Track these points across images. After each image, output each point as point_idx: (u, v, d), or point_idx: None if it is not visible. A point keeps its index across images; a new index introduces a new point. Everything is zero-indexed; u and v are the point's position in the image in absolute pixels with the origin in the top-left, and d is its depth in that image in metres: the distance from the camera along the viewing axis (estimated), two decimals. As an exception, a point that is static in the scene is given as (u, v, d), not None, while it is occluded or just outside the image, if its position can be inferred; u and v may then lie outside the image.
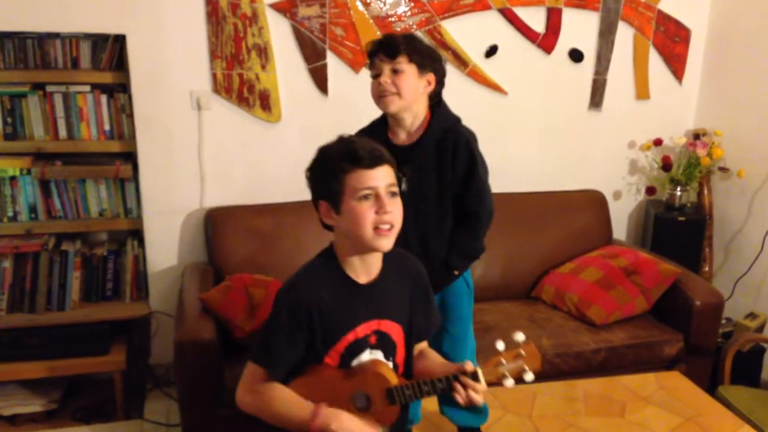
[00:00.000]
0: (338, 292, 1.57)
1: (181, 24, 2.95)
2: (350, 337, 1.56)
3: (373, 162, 1.50)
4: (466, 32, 3.28)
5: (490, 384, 1.51)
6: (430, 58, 2.04)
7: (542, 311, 3.13)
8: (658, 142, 3.58)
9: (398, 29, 3.17)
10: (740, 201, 3.48)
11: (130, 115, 3.03)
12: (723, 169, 3.51)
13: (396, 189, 1.54)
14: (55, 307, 3.04)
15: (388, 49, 1.99)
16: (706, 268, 3.58)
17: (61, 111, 2.98)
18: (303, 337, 1.55)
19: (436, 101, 2.10)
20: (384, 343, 1.61)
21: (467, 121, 2.14)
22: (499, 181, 3.31)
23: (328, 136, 3.29)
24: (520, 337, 1.50)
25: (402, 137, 2.08)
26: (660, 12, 3.51)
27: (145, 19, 2.90)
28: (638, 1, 3.45)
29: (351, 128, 3.17)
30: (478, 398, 1.51)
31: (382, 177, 1.50)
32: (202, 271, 3.00)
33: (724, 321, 3.26)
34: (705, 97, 3.67)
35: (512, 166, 3.47)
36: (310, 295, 1.55)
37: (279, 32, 3.06)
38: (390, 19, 3.16)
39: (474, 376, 1.50)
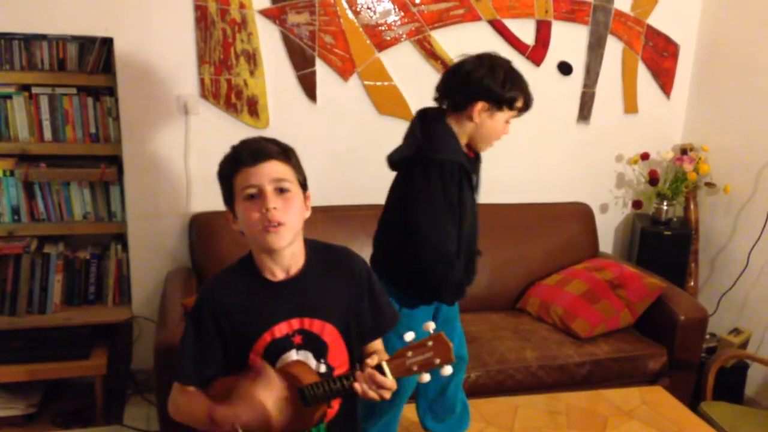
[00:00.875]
0: (250, 293, 1.54)
1: (169, 28, 2.94)
2: (266, 337, 1.52)
3: (255, 158, 1.48)
4: (456, 43, 3.28)
5: (399, 377, 1.44)
6: None
7: (527, 323, 3.13)
8: (645, 156, 3.59)
9: (388, 38, 3.17)
10: (726, 216, 3.49)
11: (117, 119, 3.01)
12: (709, 185, 3.52)
13: (287, 185, 1.50)
14: (36, 311, 3.01)
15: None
16: (692, 283, 3.59)
17: (47, 113, 2.97)
18: (213, 343, 1.53)
19: None
20: (312, 343, 1.55)
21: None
22: (486, 193, 3.32)
23: (316, 143, 3.31)
24: (429, 326, 1.44)
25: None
26: (649, 27, 3.53)
27: (133, 22, 2.88)
28: (627, 15, 3.47)
29: (339, 135, 3.23)
30: (384, 393, 1.45)
31: (266, 173, 1.47)
32: (186, 276, 2.98)
33: (708, 336, 3.27)
34: (693, 112, 3.68)
35: (499, 177, 3.47)
36: (217, 297, 1.54)
37: (268, 38, 3.05)
38: (380, 28, 3.16)
39: (379, 369, 1.44)
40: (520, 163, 3.54)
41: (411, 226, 1.99)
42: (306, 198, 1.58)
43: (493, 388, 2.71)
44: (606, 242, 3.77)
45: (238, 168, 1.49)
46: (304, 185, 1.57)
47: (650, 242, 3.50)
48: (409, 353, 1.43)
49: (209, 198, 3.14)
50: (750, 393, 3.26)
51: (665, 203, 3.51)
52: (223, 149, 3.22)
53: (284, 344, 1.53)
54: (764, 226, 3.22)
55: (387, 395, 1.46)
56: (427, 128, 2.04)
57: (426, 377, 1.43)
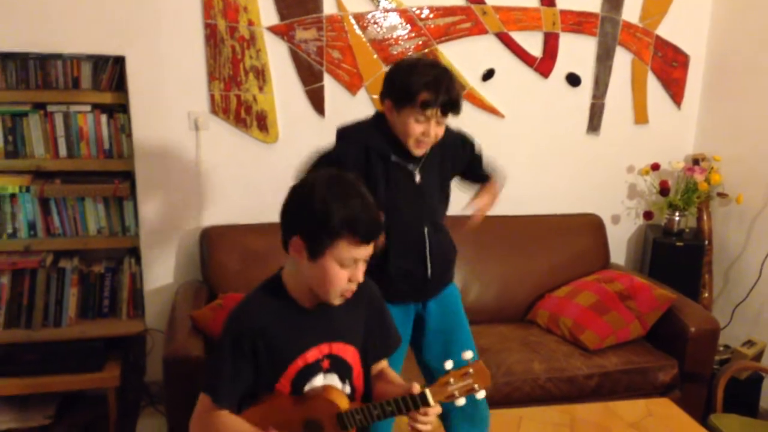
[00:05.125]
0: (284, 318, 1.54)
1: (179, 46, 3.00)
2: (299, 363, 1.54)
3: (370, 238, 1.47)
4: (463, 56, 3.31)
5: (441, 403, 1.50)
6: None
7: (536, 335, 3.12)
8: (655, 167, 3.57)
9: (395, 52, 3.21)
10: (739, 227, 3.46)
11: (130, 135, 3.07)
12: (722, 195, 3.49)
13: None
14: (52, 324, 3.06)
15: (449, 109, 2.00)
16: (706, 294, 3.55)
17: (62, 130, 3.03)
18: (248, 366, 1.52)
19: None
20: (338, 366, 1.58)
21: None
22: (496, 204, 3.33)
23: (325, 157, 3.31)
24: (468, 355, 1.50)
25: None
26: (658, 37, 3.52)
27: (145, 41, 2.95)
28: (636, 26, 3.47)
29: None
30: (428, 422, 1.50)
31: (370, 250, 1.49)
32: (196, 290, 3.02)
33: (722, 348, 3.23)
34: (704, 122, 3.66)
35: (509, 188, 3.42)
36: (254, 322, 1.53)
37: (276, 54, 3.10)
38: (387, 42, 3.19)
39: (423, 397, 1.48)
40: (529, 174, 3.54)
41: None
42: None
43: (499, 400, 2.71)
44: (618, 254, 3.76)
45: (349, 236, 1.45)
46: None
47: (662, 253, 3.48)
48: (452, 380, 1.49)
49: (220, 212, 3.20)
50: (766, 405, 3.21)
51: (677, 214, 3.49)
52: (234, 163, 3.27)
53: (314, 369, 1.56)
54: (777, 236, 3.19)
55: (429, 427, 1.51)
56: None
57: (462, 401, 1.50)
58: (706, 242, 3.52)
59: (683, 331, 2.95)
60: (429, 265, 2.16)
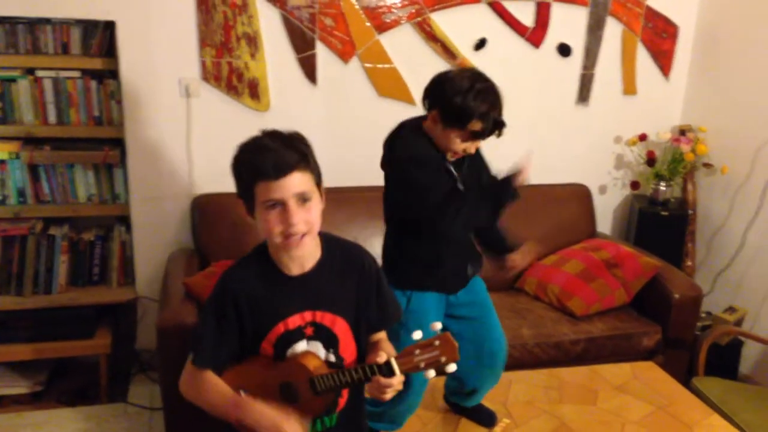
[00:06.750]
0: (268, 284, 1.58)
1: (170, 11, 2.97)
2: (281, 328, 1.57)
3: (278, 173, 1.46)
4: (456, 25, 3.30)
5: (406, 373, 1.50)
6: None
7: (524, 302, 3.17)
8: (643, 138, 3.61)
9: (388, 21, 3.20)
10: (723, 197, 3.52)
11: (120, 102, 3.05)
12: (707, 165, 3.54)
13: (309, 195, 1.50)
14: (42, 291, 3.07)
15: (494, 133, 2.10)
16: (689, 263, 3.62)
17: (51, 96, 3.01)
18: (232, 328, 1.56)
19: None
20: (323, 335, 1.60)
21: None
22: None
23: (317, 125, 3.34)
24: (437, 326, 1.50)
25: None
26: (648, 8, 3.54)
27: (135, 6, 2.92)
28: (626, -3, 3.49)
29: (339, 117, 3.27)
30: (389, 392, 1.52)
31: (289, 186, 1.46)
32: (188, 257, 3.03)
33: (703, 315, 3.31)
34: (691, 94, 3.70)
35: (498, 158, 3.47)
36: (237, 285, 1.57)
37: (268, 21, 3.08)
38: (380, 10, 3.18)
39: (388, 365, 1.49)
40: (518, 144, 3.52)
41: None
42: (321, 193, 1.57)
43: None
44: (605, 223, 3.81)
45: (258, 179, 1.47)
46: (319, 181, 1.56)
47: (648, 223, 3.54)
48: (417, 351, 1.49)
49: (211, 180, 3.19)
50: (744, 370, 3.30)
51: (663, 184, 3.54)
52: (225, 131, 3.27)
53: (296, 335, 1.58)
54: (759, 206, 3.25)
55: (389, 395, 1.52)
56: (390, 137, 2.17)
57: (431, 374, 1.50)
58: (690, 212, 3.58)
59: (667, 298, 3.01)
60: (470, 261, 2.26)
